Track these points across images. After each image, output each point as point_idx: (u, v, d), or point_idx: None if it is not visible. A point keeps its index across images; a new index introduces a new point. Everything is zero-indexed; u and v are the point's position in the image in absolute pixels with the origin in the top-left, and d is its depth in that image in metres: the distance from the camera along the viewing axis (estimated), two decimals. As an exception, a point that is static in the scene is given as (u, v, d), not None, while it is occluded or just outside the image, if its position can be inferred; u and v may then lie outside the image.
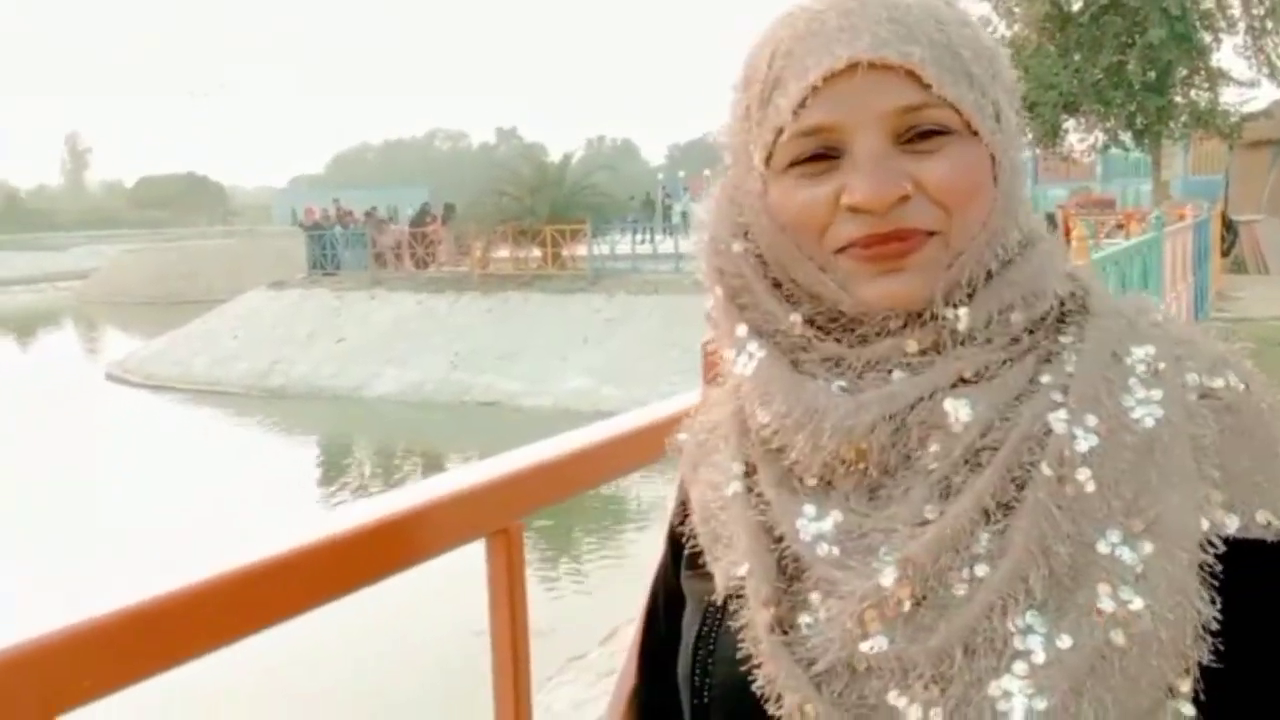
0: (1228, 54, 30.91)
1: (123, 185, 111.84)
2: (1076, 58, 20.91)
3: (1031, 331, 0.74)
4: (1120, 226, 17.41)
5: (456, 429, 18.82)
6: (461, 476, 1.11)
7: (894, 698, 0.68)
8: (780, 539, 0.74)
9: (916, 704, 0.67)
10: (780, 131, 0.74)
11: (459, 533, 1.07)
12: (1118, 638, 0.65)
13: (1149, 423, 0.70)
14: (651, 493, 12.23)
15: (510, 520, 1.11)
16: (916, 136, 0.72)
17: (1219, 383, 0.72)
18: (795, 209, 0.74)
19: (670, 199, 35.07)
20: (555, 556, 11.29)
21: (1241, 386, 0.72)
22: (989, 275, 0.74)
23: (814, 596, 0.72)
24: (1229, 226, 20.15)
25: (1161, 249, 9.50)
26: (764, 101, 0.75)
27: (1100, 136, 22.91)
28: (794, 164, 0.74)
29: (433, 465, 16.33)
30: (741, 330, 0.78)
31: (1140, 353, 0.73)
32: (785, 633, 0.72)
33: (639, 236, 27.78)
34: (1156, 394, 0.71)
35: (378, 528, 0.99)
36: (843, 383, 0.73)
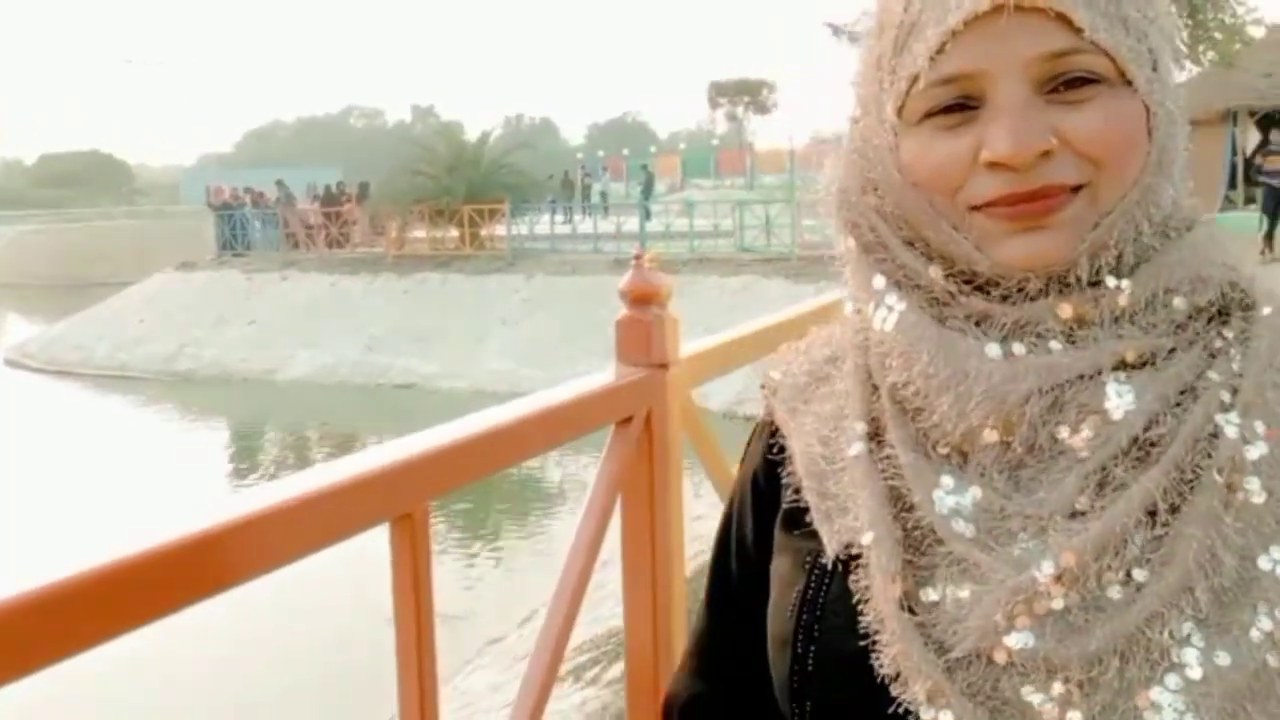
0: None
1: (22, 163, 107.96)
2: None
3: (1191, 319, 0.69)
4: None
5: (372, 412, 18.55)
6: (365, 460, 1.06)
7: (1030, 693, 0.64)
8: (911, 508, 0.70)
9: (1054, 704, 0.63)
10: (915, 80, 0.68)
11: (362, 517, 1.02)
12: (1274, 660, 0.62)
13: None
14: (568, 473, 12.21)
15: (415, 504, 1.07)
16: (1064, 85, 0.67)
17: None
18: (930, 164, 0.69)
19: (590, 179, 34.91)
20: (473, 540, 11.21)
21: None
22: (1148, 251, 0.69)
23: (944, 574, 0.68)
24: None
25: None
26: (899, 48, 0.70)
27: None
28: (929, 115, 0.69)
29: (346, 449, 16.06)
30: (879, 282, 0.73)
31: None
32: (913, 611, 0.68)
33: (558, 217, 27.64)
34: None
35: (278, 513, 0.95)
36: (995, 345, 0.68)
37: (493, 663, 6.93)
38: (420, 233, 25.25)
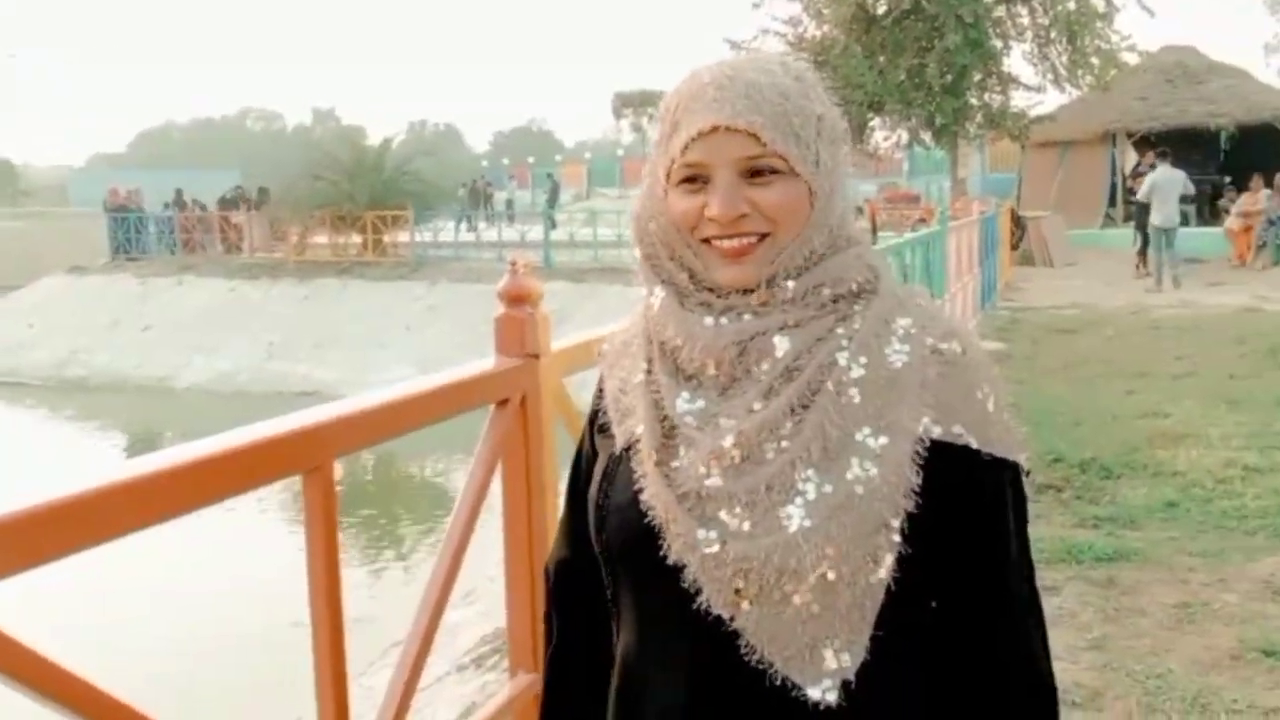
0: (1017, 61, 32.98)
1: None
2: (881, 59, 21.96)
3: (836, 301, 1.11)
4: (922, 220, 18.46)
5: (267, 419, 18.45)
6: (282, 421, 1.30)
7: (721, 513, 1.06)
8: (666, 415, 1.11)
9: (735, 519, 1.05)
10: (673, 161, 1.11)
11: (278, 468, 1.27)
12: (858, 489, 1.04)
13: (897, 365, 1.08)
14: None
15: (323, 459, 1.31)
16: (756, 173, 1.09)
17: (945, 345, 1.11)
18: (679, 212, 1.12)
19: (491, 187, 34.98)
20: (378, 547, 11.31)
21: (959, 349, 1.11)
22: (809, 265, 1.11)
23: (681, 449, 1.10)
24: (1018, 222, 21.58)
25: (944, 242, 10.22)
26: (665, 138, 1.13)
27: (903, 135, 24.19)
28: (680, 182, 1.11)
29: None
30: (653, 280, 1.16)
31: (902, 321, 1.11)
32: (665, 473, 1.09)
33: (463, 224, 27.68)
34: (905, 348, 1.09)
35: (210, 460, 1.19)
36: (710, 319, 1.11)
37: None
38: (322, 239, 25.07)
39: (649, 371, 1.16)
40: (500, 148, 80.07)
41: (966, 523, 1.09)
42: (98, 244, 26.86)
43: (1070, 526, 5.39)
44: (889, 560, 1.04)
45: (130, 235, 26.49)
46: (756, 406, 1.08)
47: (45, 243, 33.16)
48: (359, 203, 24.26)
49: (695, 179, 1.10)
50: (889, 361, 1.08)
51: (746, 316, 1.11)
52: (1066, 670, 3.59)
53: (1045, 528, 5.21)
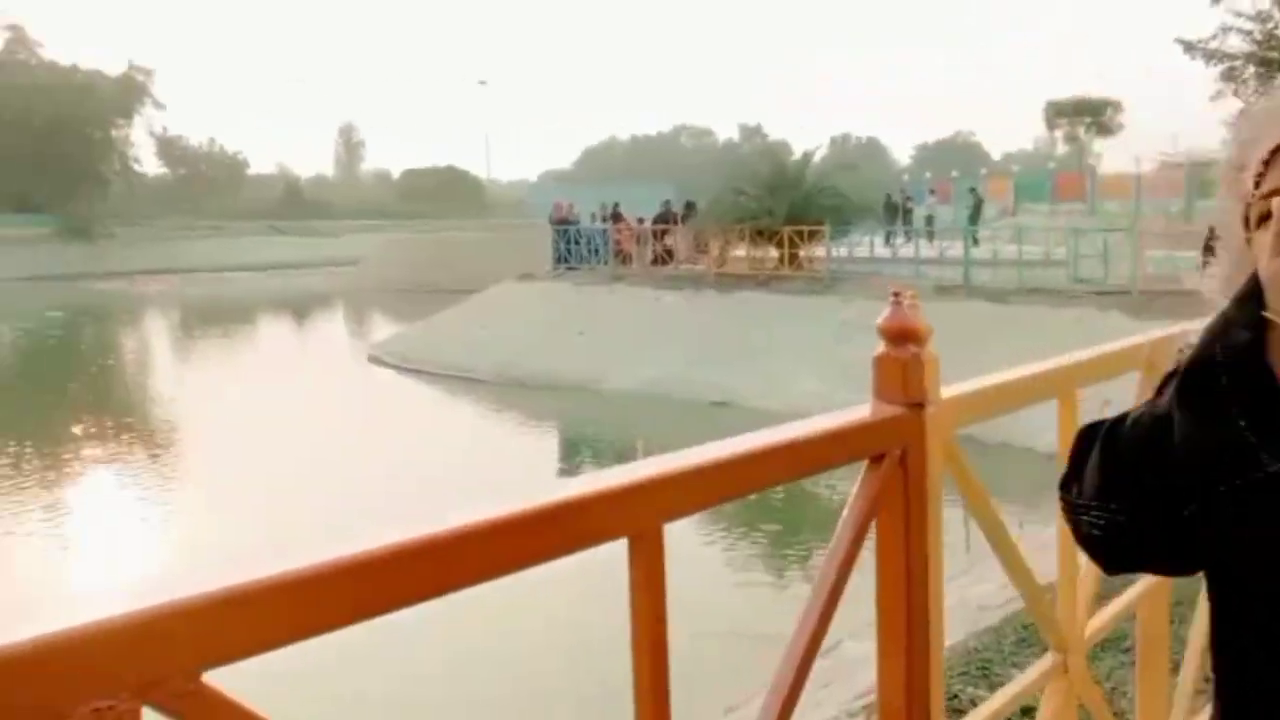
0: None
1: (390, 176, 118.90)
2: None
3: None
4: None
5: (690, 426, 19.11)
6: (608, 477, 1.16)
7: None
8: None
9: None
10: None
11: (601, 532, 1.12)
12: None
13: None
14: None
15: (652, 523, 1.15)
16: None
17: None
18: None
19: (911, 201, 34.10)
20: (785, 563, 11.32)
21: None
22: None
23: None
24: None
25: None
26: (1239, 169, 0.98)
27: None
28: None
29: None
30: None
31: None
32: None
33: (879, 239, 27.26)
34: None
35: (528, 518, 1.06)
36: None
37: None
38: (741, 252, 25.67)
39: None
40: (923, 161, 78.39)
41: None
42: (543, 253, 29.26)
43: None
44: None
45: (570, 246, 28.57)
46: None
47: (502, 252, 36.73)
48: (777, 217, 24.59)
49: None
50: None
51: None
52: None
53: None
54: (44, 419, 21.00)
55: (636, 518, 1.15)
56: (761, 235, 24.98)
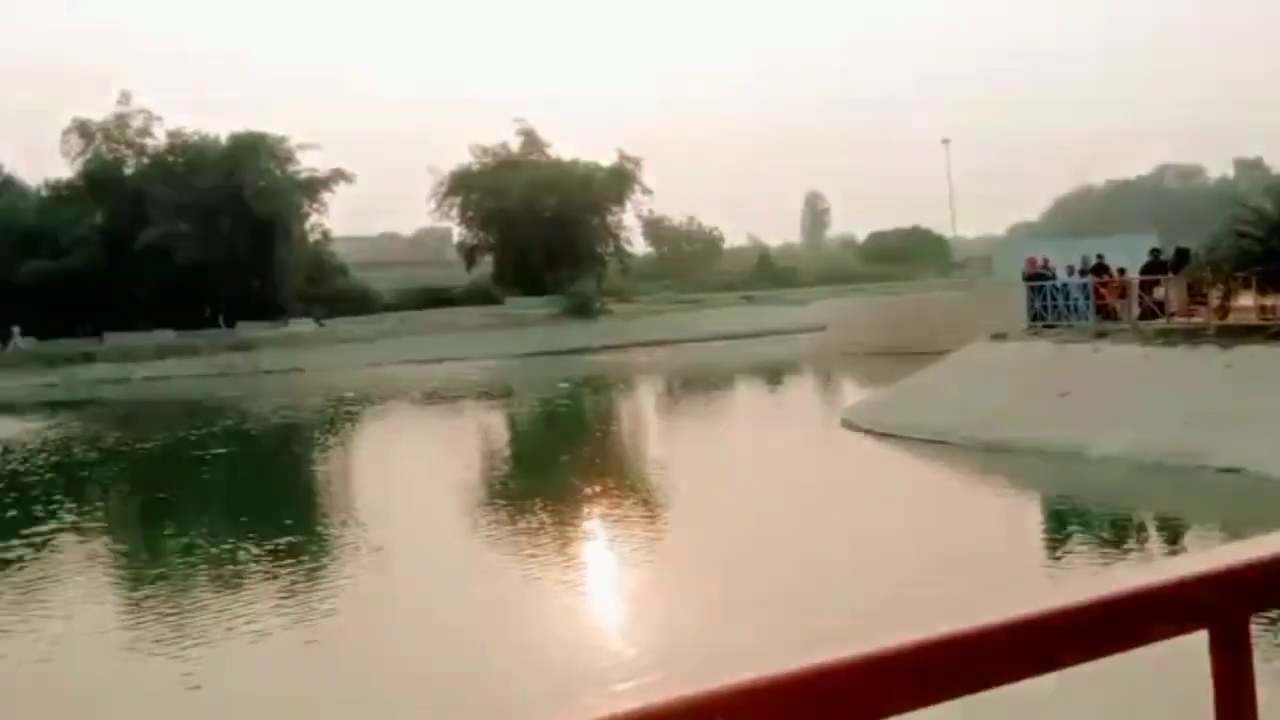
0: None
1: (855, 241, 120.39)
2: None
3: None
4: None
5: (1192, 498, 17.35)
6: (1183, 563, 1.10)
7: None
8: None
9: None
10: None
11: (1174, 623, 1.06)
12: None
13: None
14: None
15: (1234, 615, 1.07)
16: None
17: None
18: None
19: None
20: None
21: None
22: None
23: None
24: None
25: None
26: None
27: None
28: None
29: (1173, 539, 15.35)
30: None
31: None
32: None
33: None
34: None
35: (1091, 606, 1.03)
36: None
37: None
38: (1247, 300, 23.04)
39: None
40: None
41: None
42: (1016, 311, 28.11)
43: None
44: None
45: (1046, 302, 27.20)
46: None
47: (972, 311, 35.84)
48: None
49: None
50: None
51: None
52: None
53: None
54: (563, 481, 23.37)
55: (1214, 608, 1.08)
56: (1271, 282, 22.27)
